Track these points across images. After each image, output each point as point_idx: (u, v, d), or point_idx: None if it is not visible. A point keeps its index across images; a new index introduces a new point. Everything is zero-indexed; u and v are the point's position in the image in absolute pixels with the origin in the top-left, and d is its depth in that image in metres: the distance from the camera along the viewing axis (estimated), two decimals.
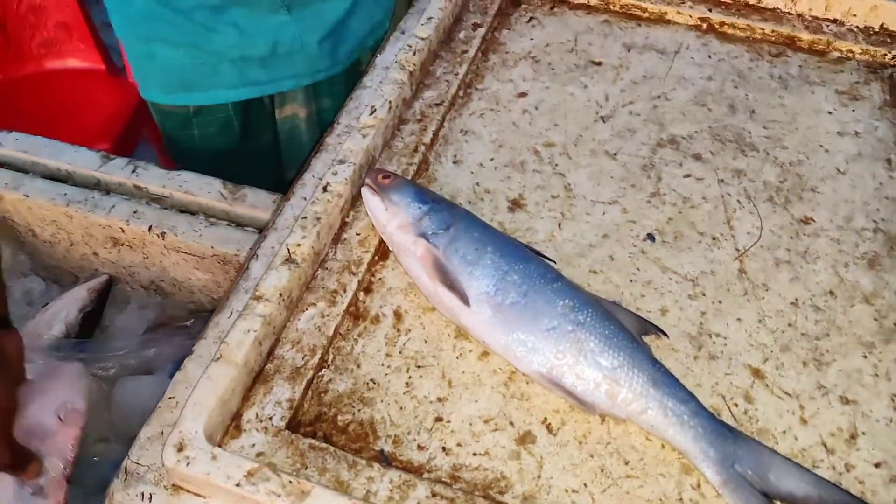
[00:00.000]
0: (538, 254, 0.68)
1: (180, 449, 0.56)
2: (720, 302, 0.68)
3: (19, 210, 1.10)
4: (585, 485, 0.57)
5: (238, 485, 0.54)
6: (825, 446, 0.59)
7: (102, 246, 1.09)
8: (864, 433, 0.59)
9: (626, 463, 0.59)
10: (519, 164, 0.80)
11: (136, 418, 0.97)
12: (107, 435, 0.97)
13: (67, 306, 1.08)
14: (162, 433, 0.61)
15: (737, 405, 0.61)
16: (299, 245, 0.68)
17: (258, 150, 1.26)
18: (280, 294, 0.65)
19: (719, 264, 0.71)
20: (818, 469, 0.58)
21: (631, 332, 0.63)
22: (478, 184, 0.78)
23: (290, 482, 0.54)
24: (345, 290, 0.69)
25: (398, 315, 0.69)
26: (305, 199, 0.75)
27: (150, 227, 1.01)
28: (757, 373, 0.63)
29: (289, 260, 0.67)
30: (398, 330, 0.68)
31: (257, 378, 0.64)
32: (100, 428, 0.98)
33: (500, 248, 0.67)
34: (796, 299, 0.68)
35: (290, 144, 1.28)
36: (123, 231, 1.03)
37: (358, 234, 0.74)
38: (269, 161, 1.30)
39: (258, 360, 0.63)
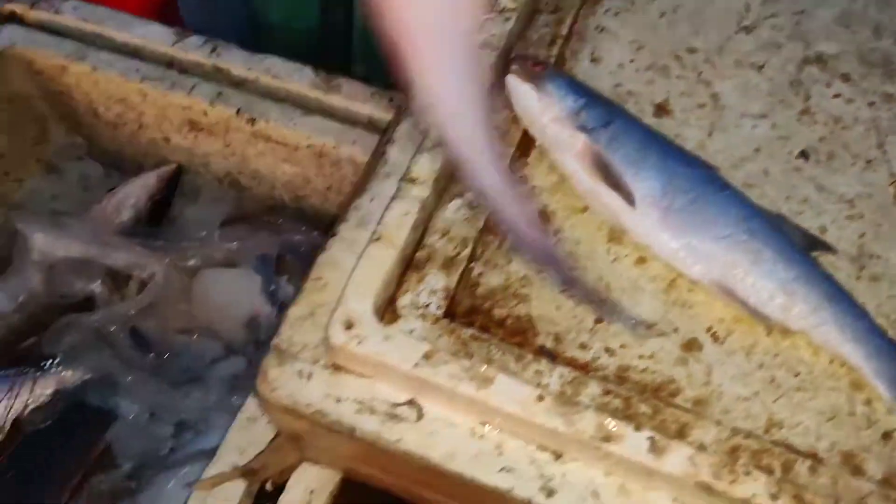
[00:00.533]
0: (700, 160, 0.66)
1: (348, 327, 0.54)
2: (879, 225, 0.66)
3: (83, 85, 1.02)
4: (757, 393, 0.56)
5: (416, 366, 0.52)
6: None
7: (178, 130, 1.03)
8: None
9: (796, 375, 0.58)
10: (661, 67, 0.76)
11: (219, 311, 0.95)
12: (188, 327, 0.95)
13: (137, 192, 1.04)
14: (313, 314, 0.59)
15: None
16: None
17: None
18: (435, 179, 0.62)
19: (875, 187, 0.69)
20: None
21: (799, 246, 0.61)
22: (619, 84, 0.75)
23: (472, 367, 0.52)
24: None
25: (545, 215, 0.66)
26: None
27: (237, 111, 0.95)
28: None
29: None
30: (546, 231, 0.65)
31: (409, 263, 0.61)
32: (178, 319, 0.95)
33: (664, 151, 0.64)
34: None
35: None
36: (206, 114, 0.98)
37: (498, 127, 0.70)
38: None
39: (413, 245, 0.61)
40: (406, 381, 0.54)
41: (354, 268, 0.57)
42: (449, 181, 0.65)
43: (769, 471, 0.49)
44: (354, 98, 0.93)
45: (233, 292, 0.93)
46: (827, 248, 0.63)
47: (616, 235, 0.64)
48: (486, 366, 0.52)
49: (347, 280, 0.56)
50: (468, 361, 0.52)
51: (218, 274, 0.95)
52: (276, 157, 0.97)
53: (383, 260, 0.57)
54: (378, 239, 0.58)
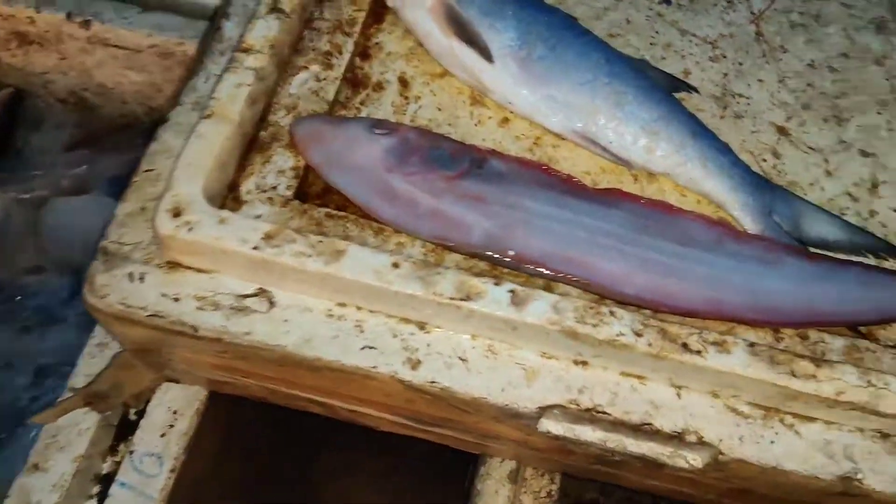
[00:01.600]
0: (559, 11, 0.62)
1: (177, 214, 0.48)
2: (741, 64, 0.65)
3: None
4: None
5: (256, 248, 0.48)
6: (850, 195, 0.59)
7: (5, 47, 0.91)
8: (884, 182, 0.60)
9: None
10: None
11: (74, 243, 0.86)
12: (39, 264, 0.86)
13: None
14: (143, 209, 0.53)
15: (765, 160, 0.60)
16: None
17: None
18: (271, 46, 0.56)
19: (737, 27, 0.67)
20: (845, 216, 0.58)
21: (662, 88, 0.59)
22: None
23: (321, 241, 0.48)
24: (340, 53, 0.60)
25: (404, 81, 0.61)
26: None
27: (68, 15, 0.84)
28: (782, 130, 0.62)
29: (276, 9, 0.57)
30: (406, 98, 0.60)
31: (252, 145, 0.55)
32: (28, 257, 0.86)
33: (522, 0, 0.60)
34: (813, 60, 0.66)
35: None
36: (33, 21, 0.86)
37: None
38: None
39: (252, 121, 0.55)
40: (251, 269, 0.49)
41: (182, 149, 0.51)
42: (292, 51, 0.59)
43: (632, 309, 0.48)
44: None
45: (85, 220, 0.84)
46: (690, 88, 0.61)
47: (478, 98, 0.61)
48: (336, 240, 0.48)
49: (175, 163, 0.51)
50: (318, 238, 0.48)
51: (66, 203, 0.86)
52: (118, 64, 0.87)
53: (216, 137, 0.51)
54: (209, 115, 0.52)
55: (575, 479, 0.63)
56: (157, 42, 0.84)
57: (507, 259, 0.50)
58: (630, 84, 0.57)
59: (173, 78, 0.88)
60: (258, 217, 0.52)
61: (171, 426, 0.61)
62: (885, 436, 0.48)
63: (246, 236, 0.48)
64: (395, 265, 0.48)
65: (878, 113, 0.64)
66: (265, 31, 0.56)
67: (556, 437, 0.48)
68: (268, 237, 0.48)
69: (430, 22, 0.59)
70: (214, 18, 0.81)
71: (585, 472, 0.58)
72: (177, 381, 0.62)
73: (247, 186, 0.54)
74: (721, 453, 0.47)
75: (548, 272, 0.50)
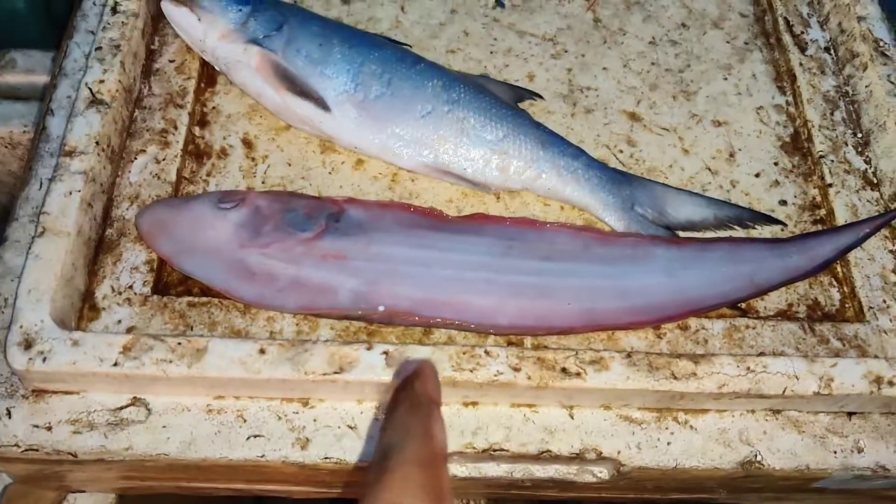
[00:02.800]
0: (390, 41, 0.60)
1: (28, 345, 0.46)
2: (583, 55, 0.65)
3: None
4: None
5: (116, 364, 0.46)
6: (709, 170, 0.60)
7: None
8: (740, 149, 0.61)
9: None
10: None
11: None
12: None
13: None
14: None
15: (622, 151, 0.60)
16: (102, 81, 0.55)
17: None
18: (96, 142, 0.53)
19: (573, 18, 0.67)
20: (708, 191, 0.58)
21: (507, 102, 0.58)
22: None
23: (180, 344, 0.46)
24: (176, 127, 0.58)
25: (248, 143, 0.59)
26: (93, 31, 0.60)
27: None
28: (633, 116, 0.62)
29: (94, 101, 0.54)
30: (253, 159, 0.58)
31: (99, 247, 0.53)
32: None
33: (348, 39, 0.58)
34: (653, 37, 0.67)
35: None
36: None
37: (172, 61, 0.61)
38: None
39: (93, 225, 0.52)
40: (119, 383, 0.47)
41: (21, 274, 0.48)
42: (124, 137, 0.57)
43: (506, 345, 0.48)
44: (33, 71, 0.80)
45: None
46: (534, 95, 0.60)
47: (328, 145, 0.59)
48: (196, 338, 0.46)
49: (16, 290, 0.48)
50: (177, 340, 0.46)
51: None
52: None
53: (54, 255, 0.49)
54: (42, 233, 0.49)
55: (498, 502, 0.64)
56: (2, 135, 0.80)
57: (378, 316, 0.49)
58: (471, 107, 0.56)
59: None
60: (118, 322, 0.50)
61: None
62: (776, 412, 0.49)
63: (102, 354, 0.46)
64: (262, 351, 0.46)
65: (724, 78, 0.65)
66: (86, 128, 0.53)
67: (465, 479, 0.48)
68: (125, 350, 0.46)
69: (259, 81, 0.57)
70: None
71: (507, 496, 0.58)
72: (81, 490, 0.60)
73: (102, 291, 0.51)
74: (621, 464, 0.47)
75: (420, 320, 0.49)
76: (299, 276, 0.50)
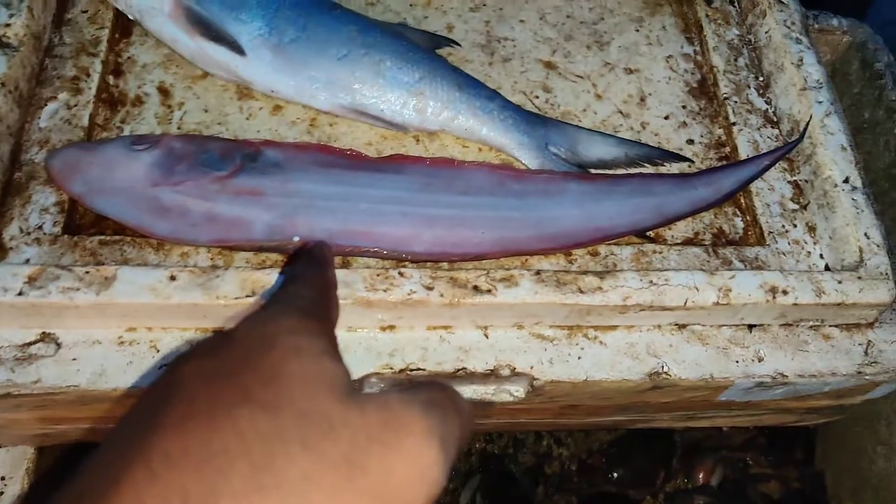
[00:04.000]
0: None
1: None
2: (501, 9, 0.66)
3: None
4: None
5: (21, 294, 0.45)
6: (621, 113, 0.62)
7: None
8: (650, 94, 0.63)
9: None
10: None
11: None
12: None
13: None
14: None
15: (538, 97, 0.62)
16: (9, 25, 0.54)
17: None
18: (2, 84, 0.52)
19: None
20: (620, 132, 0.60)
21: (424, 48, 0.59)
22: None
23: (88, 272, 0.46)
24: (88, 75, 0.57)
25: (164, 90, 0.59)
26: None
27: None
28: (549, 65, 0.64)
29: (1, 44, 0.54)
30: (169, 107, 0.58)
31: (7, 190, 0.52)
32: None
33: None
34: None
35: None
36: None
37: (85, 12, 0.60)
38: None
39: (1, 169, 0.51)
40: (27, 316, 0.46)
41: None
42: (33, 84, 0.56)
43: (422, 266, 0.48)
44: None
45: None
46: (451, 42, 0.62)
47: (245, 91, 0.59)
48: (105, 266, 0.46)
49: None
50: (85, 269, 0.46)
51: None
52: None
53: None
54: None
55: None
56: None
57: (293, 246, 0.50)
58: (387, 50, 0.57)
59: None
60: (26, 262, 0.49)
61: (2, 493, 0.57)
62: (681, 326, 0.51)
63: (7, 284, 0.45)
64: (173, 278, 0.46)
65: (636, 30, 0.67)
66: None
67: None
68: (31, 280, 0.45)
69: (173, 27, 0.57)
70: None
71: None
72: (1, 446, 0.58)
73: (10, 233, 0.50)
74: (535, 378, 0.48)
75: (336, 250, 0.50)
76: (213, 211, 0.50)
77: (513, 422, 0.57)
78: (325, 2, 0.59)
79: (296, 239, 0.50)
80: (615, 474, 0.82)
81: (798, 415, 0.58)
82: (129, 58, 0.60)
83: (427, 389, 0.32)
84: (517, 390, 0.48)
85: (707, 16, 0.67)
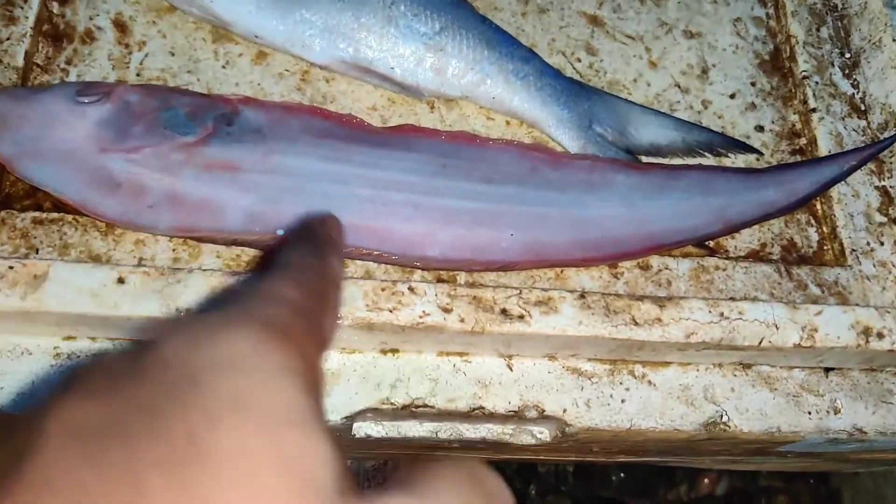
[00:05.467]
0: None
1: None
2: None
3: None
4: None
5: None
6: (679, 87, 0.51)
7: None
8: (713, 65, 0.53)
9: None
10: None
11: None
12: None
13: None
14: None
15: (580, 60, 0.51)
16: None
17: None
18: None
19: None
20: (676, 112, 0.50)
21: None
22: None
23: (12, 268, 0.35)
24: (25, 1, 0.45)
25: (121, 25, 0.47)
26: None
27: None
28: (595, 20, 0.53)
29: None
30: (126, 46, 0.47)
31: None
32: None
33: None
34: None
35: None
36: None
37: None
38: None
39: None
40: None
41: None
42: None
43: (435, 281, 0.39)
44: None
45: None
46: None
47: (222, 33, 0.48)
48: (35, 262, 0.36)
49: None
50: (7, 263, 0.35)
51: None
52: None
53: None
54: None
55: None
56: None
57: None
58: None
59: None
60: None
61: None
62: (746, 366, 0.42)
63: None
64: (121, 280, 0.36)
65: None
66: None
67: (380, 440, 0.39)
68: None
69: None
70: None
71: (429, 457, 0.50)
72: None
73: None
74: (567, 424, 0.40)
75: None
76: (176, 189, 0.40)
77: (525, 458, 0.48)
78: None
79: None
80: (614, 479, 0.76)
81: (854, 464, 0.51)
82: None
83: (455, 486, 0.22)
84: (542, 432, 0.39)
85: None
